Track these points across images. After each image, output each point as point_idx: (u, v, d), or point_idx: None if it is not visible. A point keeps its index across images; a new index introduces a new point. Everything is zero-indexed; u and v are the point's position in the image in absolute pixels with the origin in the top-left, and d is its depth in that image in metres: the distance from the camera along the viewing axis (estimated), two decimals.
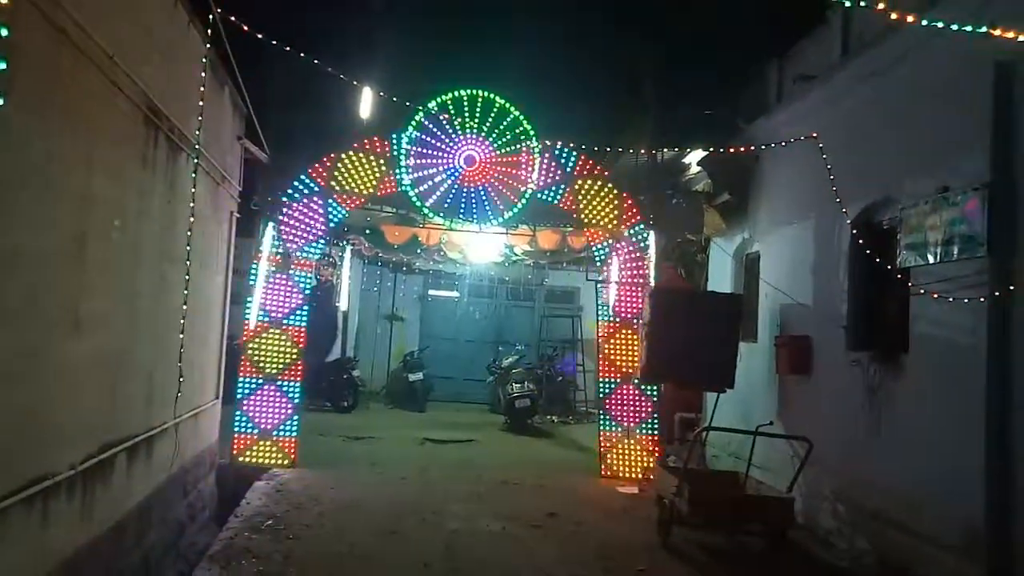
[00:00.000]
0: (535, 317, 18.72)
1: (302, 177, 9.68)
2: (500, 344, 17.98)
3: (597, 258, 10.49)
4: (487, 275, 17.62)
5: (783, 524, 6.84)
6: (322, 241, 9.99)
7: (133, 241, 5.85)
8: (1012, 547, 5.37)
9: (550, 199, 10.25)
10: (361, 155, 9.76)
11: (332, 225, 9.97)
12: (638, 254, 10.29)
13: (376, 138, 9.83)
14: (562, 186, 10.16)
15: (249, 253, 9.97)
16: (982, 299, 5.64)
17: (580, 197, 10.22)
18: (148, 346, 6.37)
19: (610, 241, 10.32)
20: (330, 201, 9.71)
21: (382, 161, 9.77)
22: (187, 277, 6.92)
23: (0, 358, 3.97)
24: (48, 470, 4.48)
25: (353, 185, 9.76)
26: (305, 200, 9.65)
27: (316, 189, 9.67)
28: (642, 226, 10.34)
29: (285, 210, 9.63)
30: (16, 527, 4.12)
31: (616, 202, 10.27)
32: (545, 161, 10.07)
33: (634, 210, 10.33)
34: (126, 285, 5.81)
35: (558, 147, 10.13)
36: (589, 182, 10.23)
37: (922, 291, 6.32)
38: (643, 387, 10.09)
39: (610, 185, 10.29)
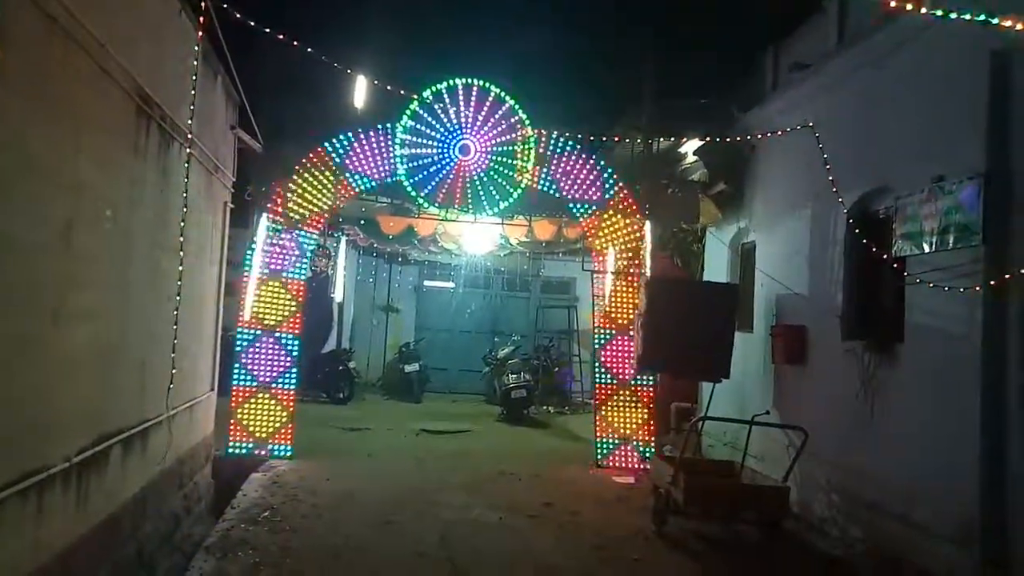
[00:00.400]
0: (531, 307, 18.69)
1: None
2: (496, 335, 17.99)
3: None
4: (483, 266, 17.59)
5: (778, 514, 6.88)
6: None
7: (125, 231, 5.80)
8: (1006, 536, 5.39)
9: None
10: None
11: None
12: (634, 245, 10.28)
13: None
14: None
15: (243, 243, 9.92)
16: (977, 288, 5.65)
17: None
18: (142, 337, 6.33)
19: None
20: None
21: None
22: (181, 268, 6.88)
23: None
24: (42, 463, 4.45)
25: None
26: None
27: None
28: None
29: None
30: (11, 520, 4.10)
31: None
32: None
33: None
34: (119, 275, 5.77)
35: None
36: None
37: (917, 280, 6.32)
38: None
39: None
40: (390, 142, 9.74)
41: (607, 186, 10.21)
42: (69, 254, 4.81)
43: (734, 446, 8.96)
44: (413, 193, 9.94)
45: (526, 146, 9.88)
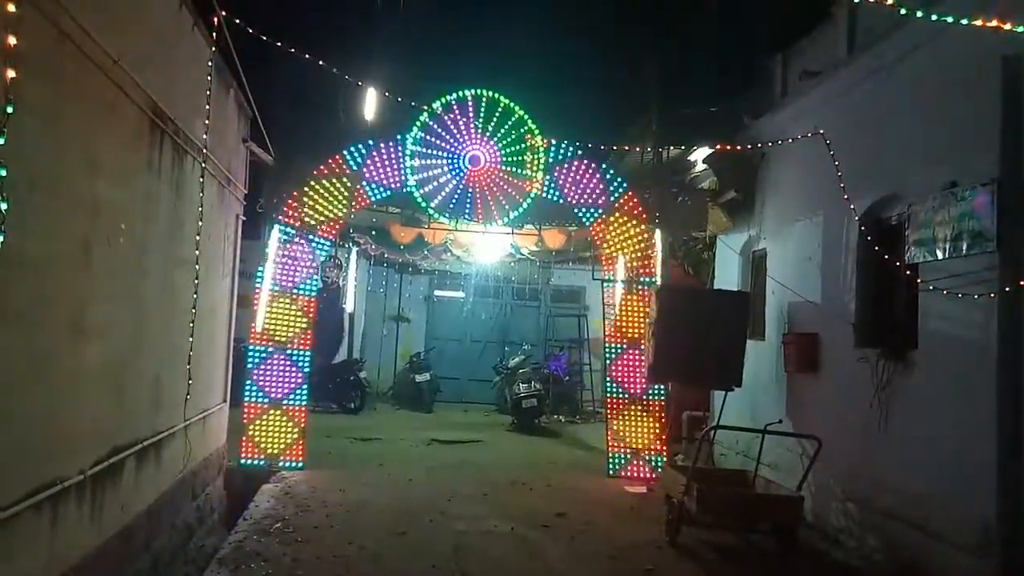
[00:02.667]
0: (541, 317, 18.69)
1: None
2: (506, 344, 17.97)
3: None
4: (493, 275, 17.62)
5: (792, 523, 6.83)
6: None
7: (140, 245, 5.85)
8: None
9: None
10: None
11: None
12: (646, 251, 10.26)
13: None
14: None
15: (255, 255, 9.98)
16: (992, 295, 5.61)
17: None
18: (156, 350, 6.37)
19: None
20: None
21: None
22: (196, 281, 6.93)
23: (10, 363, 3.98)
24: (58, 475, 4.48)
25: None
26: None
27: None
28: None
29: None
30: (26, 532, 4.13)
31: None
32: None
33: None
34: (133, 289, 5.82)
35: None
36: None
37: (931, 287, 6.28)
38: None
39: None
40: (401, 153, 9.78)
41: (612, 189, 10.18)
42: (86, 270, 4.86)
43: (747, 455, 8.91)
44: (424, 203, 9.97)
45: (536, 156, 9.91)
